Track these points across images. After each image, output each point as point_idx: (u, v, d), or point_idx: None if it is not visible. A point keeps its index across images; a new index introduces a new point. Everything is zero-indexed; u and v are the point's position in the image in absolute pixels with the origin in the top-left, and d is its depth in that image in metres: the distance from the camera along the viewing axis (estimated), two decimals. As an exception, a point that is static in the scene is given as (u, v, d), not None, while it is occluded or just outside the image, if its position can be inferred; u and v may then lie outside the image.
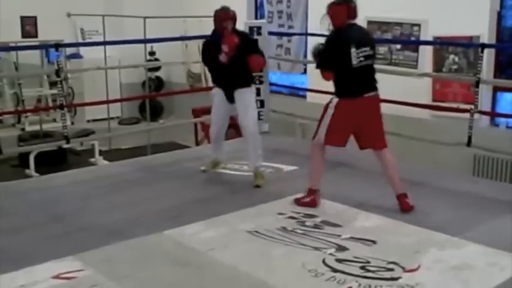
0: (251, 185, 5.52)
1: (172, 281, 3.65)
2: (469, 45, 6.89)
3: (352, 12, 4.83)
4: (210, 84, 10.34)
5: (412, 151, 6.80)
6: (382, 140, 4.91)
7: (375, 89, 4.88)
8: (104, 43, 10.51)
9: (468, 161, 6.82)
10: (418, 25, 7.45)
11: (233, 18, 5.53)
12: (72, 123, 10.50)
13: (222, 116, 5.82)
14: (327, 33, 8.30)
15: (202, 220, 4.58)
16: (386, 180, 4.96)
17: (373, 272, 3.72)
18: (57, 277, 3.64)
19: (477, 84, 5.70)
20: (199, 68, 10.85)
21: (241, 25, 6.76)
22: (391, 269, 3.75)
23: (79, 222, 4.61)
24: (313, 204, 4.93)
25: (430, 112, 7.22)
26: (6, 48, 9.61)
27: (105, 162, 9.11)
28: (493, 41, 6.89)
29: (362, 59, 4.71)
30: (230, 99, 5.64)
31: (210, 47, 5.60)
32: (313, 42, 8.54)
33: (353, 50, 4.68)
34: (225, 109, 5.74)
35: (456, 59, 7.12)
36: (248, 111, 5.58)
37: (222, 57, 5.37)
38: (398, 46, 7.75)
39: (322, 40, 7.69)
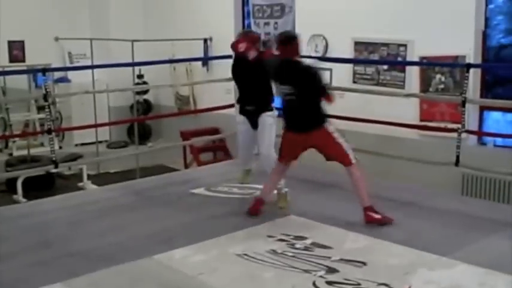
0: (239, 208, 5.53)
1: (162, 306, 3.62)
2: (455, 66, 6.93)
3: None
4: (198, 106, 10.44)
5: (401, 171, 6.81)
6: (345, 158, 5.12)
7: (308, 129, 5.09)
8: (92, 67, 10.51)
9: (456, 180, 6.84)
10: (405, 45, 7.50)
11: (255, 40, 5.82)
12: (60, 147, 10.45)
13: (248, 142, 6.00)
14: (314, 54, 8.42)
15: (192, 244, 4.56)
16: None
17: (363, 294, 3.71)
18: (45, 304, 3.61)
19: (463, 103, 5.73)
20: (187, 90, 10.87)
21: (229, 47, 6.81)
22: (382, 291, 3.75)
23: (67, 247, 4.58)
24: (252, 211, 5.28)
25: (418, 132, 7.25)
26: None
27: (94, 186, 9.05)
28: (479, 61, 6.94)
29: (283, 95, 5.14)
30: (254, 126, 5.83)
31: (236, 64, 5.97)
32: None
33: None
34: (249, 136, 5.93)
35: (443, 78, 7.16)
36: (263, 135, 5.74)
37: (251, 54, 5.69)
38: (385, 66, 7.79)
39: (310, 61, 7.77)
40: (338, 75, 8.13)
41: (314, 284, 3.84)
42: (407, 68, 7.53)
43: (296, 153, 5.26)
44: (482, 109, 7.08)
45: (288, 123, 5.21)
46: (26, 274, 4.08)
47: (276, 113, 5.85)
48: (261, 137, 5.75)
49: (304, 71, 5.17)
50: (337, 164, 6.13)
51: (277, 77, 5.28)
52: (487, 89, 7.10)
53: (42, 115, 9.75)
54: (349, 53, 8.02)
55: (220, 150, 10.07)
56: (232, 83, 7.18)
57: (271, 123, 5.76)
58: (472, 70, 6.09)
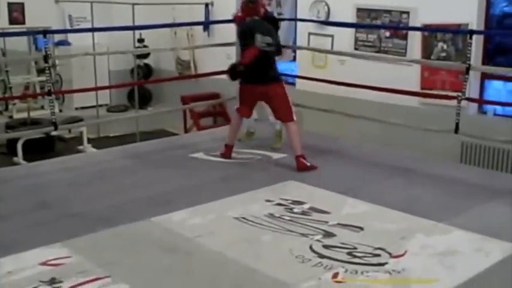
0: (238, 172, 5.56)
1: (160, 267, 3.65)
2: (458, 32, 6.89)
3: None
4: (199, 71, 10.41)
5: (401, 138, 6.82)
6: (288, 114, 5.75)
7: (270, 81, 5.77)
8: (92, 30, 10.43)
9: (456, 148, 6.86)
10: (407, 13, 7.45)
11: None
12: (61, 110, 10.42)
13: None
14: (316, 19, 8.38)
15: (190, 207, 4.58)
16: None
17: (359, 257, 3.74)
18: (44, 263, 3.63)
19: (467, 70, 5.69)
20: (188, 55, 10.82)
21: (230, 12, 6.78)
22: (378, 255, 3.77)
23: (67, 209, 4.60)
24: (225, 155, 5.93)
25: (418, 100, 7.24)
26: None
27: (94, 149, 9.08)
28: (482, 29, 6.89)
29: (264, 44, 5.70)
30: None
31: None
32: (302, 28, 8.61)
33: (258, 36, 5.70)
34: None
35: (445, 46, 7.13)
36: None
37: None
38: (387, 34, 7.75)
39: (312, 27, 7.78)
40: (340, 42, 8.10)
41: (311, 247, 3.87)
42: (410, 35, 7.49)
43: (253, 104, 5.99)
44: (483, 78, 7.06)
45: (252, 77, 5.68)
46: (25, 235, 4.11)
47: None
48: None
49: (275, 23, 6.16)
50: (337, 131, 6.21)
51: (260, 30, 5.71)
52: (488, 58, 7.07)
53: (42, 78, 9.73)
54: (351, 20, 7.98)
55: (220, 116, 10.07)
56: (233, 48, 7.16)
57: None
58: (474, 38, 6.04)
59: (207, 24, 10.15)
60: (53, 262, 3.65)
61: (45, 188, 5.13)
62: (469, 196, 4.93)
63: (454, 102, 5.76)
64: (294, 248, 3.87)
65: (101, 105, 10.99)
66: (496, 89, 7.10)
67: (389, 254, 3.78)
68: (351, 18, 7.98)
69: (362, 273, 3.55)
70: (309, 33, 8.52)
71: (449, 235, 4.11)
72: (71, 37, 11.04)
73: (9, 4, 10.53)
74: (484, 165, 6.73)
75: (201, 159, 5.99)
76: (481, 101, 7.00)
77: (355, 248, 3.86)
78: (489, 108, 7.02)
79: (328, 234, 4.08)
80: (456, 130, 5.65)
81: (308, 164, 5.59)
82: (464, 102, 5.81)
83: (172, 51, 10.86)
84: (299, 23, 8.62)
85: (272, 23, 6.02)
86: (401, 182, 5.28)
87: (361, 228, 4.19)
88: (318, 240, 3.98)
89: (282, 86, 5.85)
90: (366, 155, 6.13)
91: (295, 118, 5.77)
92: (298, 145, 5.66)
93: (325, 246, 3.88)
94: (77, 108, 11.03)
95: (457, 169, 5.94)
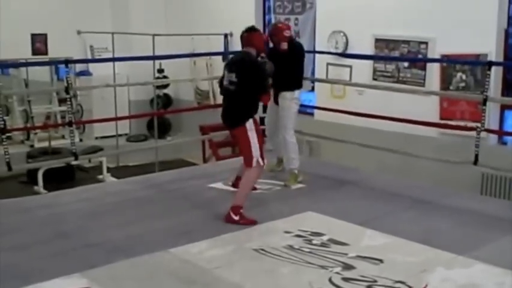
0: (257, 203, 5.54)
1: (178, 299, 3.65)
2: (477, 63, 6.89)
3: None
4: (218, 101, 10.46)
5: (420, 169, 6.78)
6: (246, 161, 5.14)
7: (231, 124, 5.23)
8: (113, 59, 10.58)
9: (476, 179, 6.79)
10: (426, 43, 7.46)
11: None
12: (81, 139, 10.55)
13: (271, 115, 6.37)
14: (334, 51, 8.42)
15: (209, 238, 4.58)
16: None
17: (379, 291, 3.71)
18: (63, 294, 3.65)
19: (484, 102, 5.67)
20: (207, 85, 10.90)
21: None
22: (398, 288, 3.74)
23: (86, 239, 4.62)
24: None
25: (437, 130, 7.21)
26: (16, 64, 9.70)
27: (113, 179, 9.12)
28: (501, 59, 6.88)
29: (226, 82, 5.20)
30: (276, 100, 6.20)
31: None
32: (320, 59, 8.64)
33: (225, 72, 5.27)
34: (273, 110, 6.28)
35: (463, 76, 7.12)
36: (283, 117, 6.12)
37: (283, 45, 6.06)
38: (406, 64, 7.76)
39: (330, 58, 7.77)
40: (358, 72, 8.13)
41: (330, 280, 3.85)
42: (428, 65, 7.49)
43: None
44: (503, 108, 7.03)
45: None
46: (45, 264, 4.12)
47: (297, 93, 6.21)
48: (281, 120, 6.15)
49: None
50: (356, 161, 6.15)
51: (228, 65, 5.40)
52: (508, 88, 7.04)
53: (63, 108, 9.87)
54: (369, 50, 8.00)
55: (228, 146, 10.07)
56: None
57: (291, 103, 6.13)
58: (493, 69, 6.03)
59: (226, 54, 10.22)
60: (72, 293, 3.66)
61: (64, 218, 5.17)
62: (489, 228, 4.87)
63: (473, 132, 5.73)
64: (313, 280, 3.84)
65: (120, 135, 11.08)
66: (516, 119, 7.06)
67: (410, 287, 3.74)
68: (369, 48, 8.01)
69: (382, 306, 3.52)
70: (327, 64, 8.56)
71: (470, 268, 4.05)
72: (92, 67, 11.24)
73: (32, 35, 10.73)
74: (505, 197, 6.66)
75: (220, 190, 5.98)
76: (500, 133, 6.96)
77: (375, 281, 3.82)
78: (509, 138, 6.97)
79: (348, 267, 4.05)
80: (475, 162, 5.61)
81: (236, 218, 4.92)
82: (484, 133, 5.78)
83: (191, 82, 10.94)
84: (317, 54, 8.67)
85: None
86: (421, 213, 5.24)
87: (381, 261, 4.16)
88: (337, 273, 3.95)
89: (243, 130, 5.10)
90: (385, 186, 6.10)
91: (254, 164, 5.07)
92: (241, 195, 5.05)
93: (345, 279, 3.85)
94: (97, 138, 11.14)
95: (476, 200, 5.88)
